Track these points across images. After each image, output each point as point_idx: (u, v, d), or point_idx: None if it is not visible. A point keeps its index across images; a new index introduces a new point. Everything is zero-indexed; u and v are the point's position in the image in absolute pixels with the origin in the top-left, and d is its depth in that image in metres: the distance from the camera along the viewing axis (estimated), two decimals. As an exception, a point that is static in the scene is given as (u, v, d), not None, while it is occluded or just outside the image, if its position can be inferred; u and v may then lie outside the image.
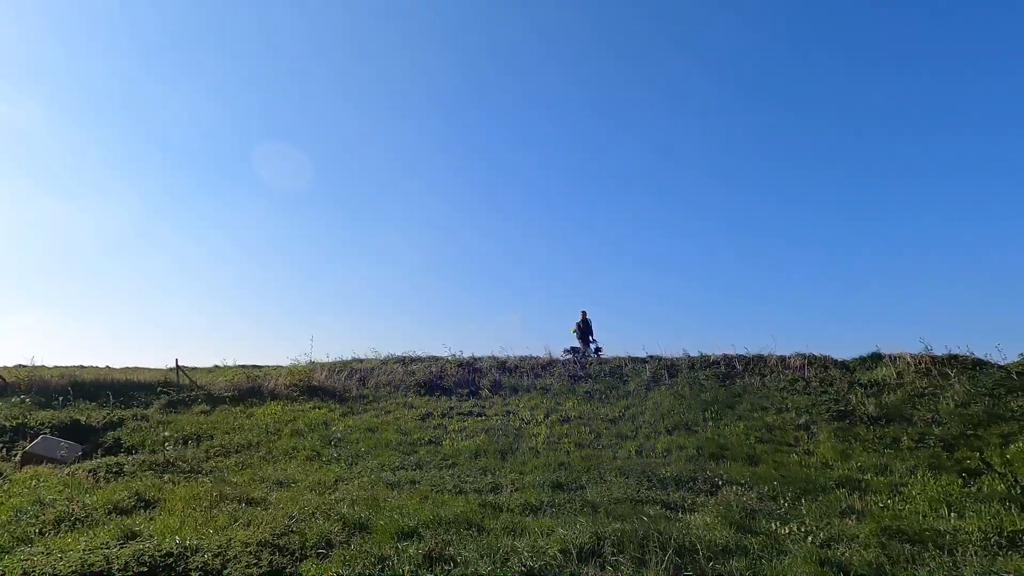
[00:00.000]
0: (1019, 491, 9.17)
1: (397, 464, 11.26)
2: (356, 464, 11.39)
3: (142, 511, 7.22)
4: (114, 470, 10.13)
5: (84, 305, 70.69)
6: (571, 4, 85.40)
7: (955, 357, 14.64)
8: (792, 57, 79.97)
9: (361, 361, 20.05)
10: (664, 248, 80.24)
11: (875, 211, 71.12)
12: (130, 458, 11.31)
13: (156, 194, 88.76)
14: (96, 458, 11.38)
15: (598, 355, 18.92)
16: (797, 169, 78.21)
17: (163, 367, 21.65)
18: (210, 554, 4.81)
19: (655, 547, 5.53)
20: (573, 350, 19.41)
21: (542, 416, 14.37)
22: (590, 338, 19.41)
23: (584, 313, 19.62)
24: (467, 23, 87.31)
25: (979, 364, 14.41)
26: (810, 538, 6.82)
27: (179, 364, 19.16)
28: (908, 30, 73.51)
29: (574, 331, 19.56)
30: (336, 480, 9.89)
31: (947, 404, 12.83)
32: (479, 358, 19.12)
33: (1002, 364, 14.40)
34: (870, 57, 74.34)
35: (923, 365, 14.47)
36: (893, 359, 15.04)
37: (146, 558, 4.57)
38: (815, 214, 75.31)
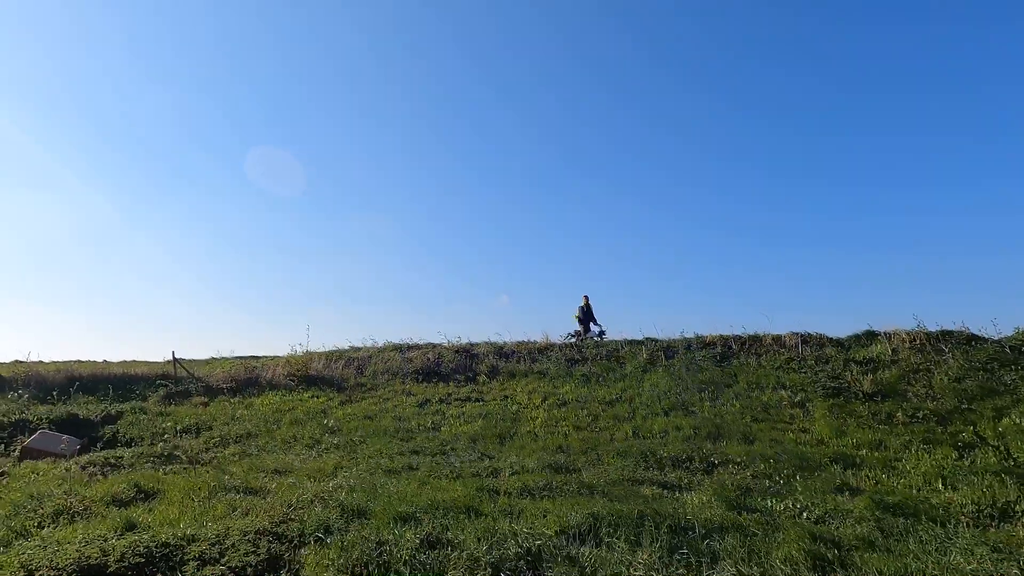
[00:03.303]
0: (1012, 463, 9.28)
1: (396, 451, 11.31)
2: (355, 451, 11.43)
3: (141, 503, 7.24)
4: (112, 463, 10.16)
5: (80, 300, 70.50)
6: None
7: (949, 332, 14.69)
8: (793, 27, 79.14)
9: (358, 349, 20.06)
10: (659, 231, 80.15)
11: (866, 192, 70.98)
12: (129, 451, 11.33)
13: (145, 188, 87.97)
14: (95, 451, 11.41)
15: (601, 338, 18.97)
16: (792, 154, 77.81)
17: (161, 360, 21.67)
18: (207, 543, 4.82)
19: (650, 526, 5.58)
20: (576, 334, 19.48)
21: (540, 400, 14.43)
22: (591, 323, 19.47)
23: (586, 298, 19.65)
24: (451, 13, 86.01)
25: (973, 339, 14.46)
26: (804, 514, 6.90)
27: (176, 356, 19.13)
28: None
29: (576, 316, 19.60)
30: (335, 468, 9.93)
31: (941, 379, 12.91)
32: (476, 344, 19.14)
33: (996, 338, 14.46)
34: (864, 16, 73.61)
35: (917, 341, 14.52)
36: (888, 336, 15.09)
37: (143, 549, 4.58)
38: (808, 196, 75.12)
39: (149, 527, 5.36)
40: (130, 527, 5.28)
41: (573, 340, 19.07)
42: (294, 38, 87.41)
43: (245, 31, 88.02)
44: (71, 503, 6.66)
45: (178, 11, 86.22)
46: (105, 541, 4.78)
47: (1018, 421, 10.73)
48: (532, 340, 18.94)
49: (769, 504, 7.28)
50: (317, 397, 16.23)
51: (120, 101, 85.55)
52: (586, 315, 19.46)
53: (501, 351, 18.37)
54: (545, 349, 18.17)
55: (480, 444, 11.65)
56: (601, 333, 19.25)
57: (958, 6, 68.21)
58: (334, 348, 20.71)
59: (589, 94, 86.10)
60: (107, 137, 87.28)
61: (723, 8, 79.83)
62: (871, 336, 15.39)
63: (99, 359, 24.53)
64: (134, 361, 23.15)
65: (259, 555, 4.79)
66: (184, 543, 4.87)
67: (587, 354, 17.39)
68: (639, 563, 4.81)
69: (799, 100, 77.69)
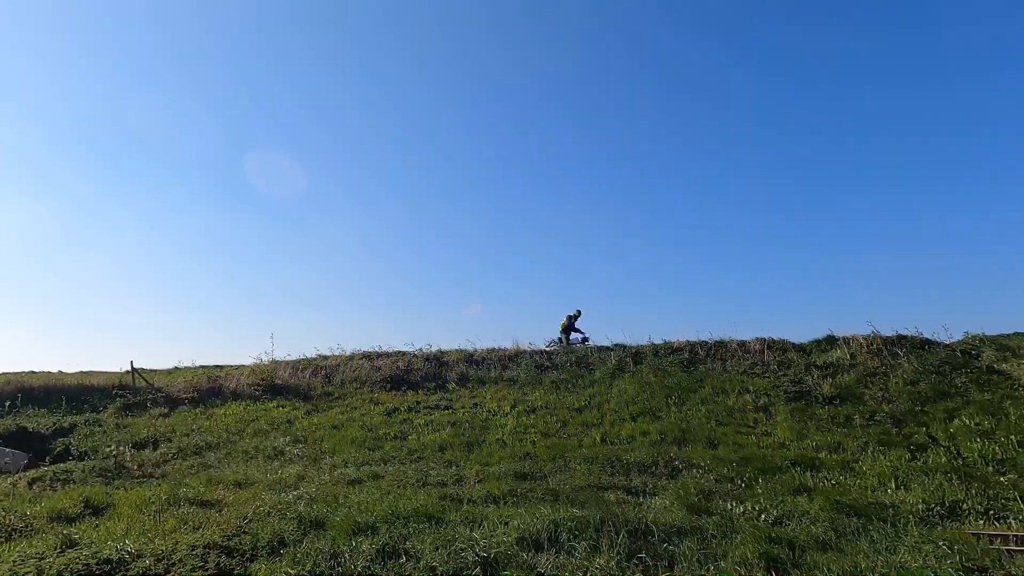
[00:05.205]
0: (961, 463, 9.62)
1: (362, 460, 11.14)
2: (319, 462, 11.22)
3: (89, 518, 6.97)
4: (62, 477, 9.77)
5: (32, 311, 67.63)
6: (537, 15, 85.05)
7: (904, 337, 15.19)
8: (756, 65, 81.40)
9: (326, 358, 19.70)
10: (626, 239, 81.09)
11: (831, 205, 73.20)
12: (80, 464, 10.92)
13: (96, 196, 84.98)
14: (44, 466, 10.92)
15: (585, 343, 19.00)
16: (756, 169, 79.79)
17: (119, 370, 20.90)
18: (153, 559, 4.65)
19: (610, 531, 5.59)
20: (558, 341, 19.49)
21: (509, 407, 14.38)
22: (572, 331, 19.52)
23: (578, 311, 19.76)
24: (430, 23, 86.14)
25: (926, 343, 14.99)
26: (763, 516, 7.02)
27: (135, 366, 18.50)
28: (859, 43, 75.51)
29: (563, 325, 19.63)
30: (298, 479, 9.72)
31: (897, 382, 13.33)
32: (446, 352, 18.98)
33: (947, 343, 15.03)
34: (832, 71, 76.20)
35: (874, 346, 14.97)
36: (847, 341, 15.52)
37: (82, 566, 4.39)
38: (774, 209, 77.10)
39: (92, 543, 5.14)
40: (71, 544, 5.06)
41: (555, 347, 19.04)
42: (250, 39, 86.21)
43: (197, 43, 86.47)
44: (10, 520, 6.35)
45: (129, 15, 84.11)
46: (42, 559, 4.57)
47: (968, 422, 11.14)
48: (503, 347, 18.88)
49: (729, 507, 7.38)
50: (283, 407, 15.87)
51: (65, 104, 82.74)
52: (570, 324, 19.55)
53: (471, 358, 18.27)
54: (515, 356, 18.13)
55: (448, 452, 11.55)
56: (584, 339, 19.29)
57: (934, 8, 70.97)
58: (301, 357, 20.31)
59: (556, 113, 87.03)
60: (43, 140, 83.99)
61: (705, 12, 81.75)
62: (831, 341, 15.82)
63: (54, 370, 23.59)
64: (91, 372, 22.28)
65: (207, 570, 4.65)
66: (128, 559, 4.69)
67: (557, 361, 17.43)
68: (596, 567, 4.82)
69: (758, 127, 79.85)
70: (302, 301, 73.09)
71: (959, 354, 14.35)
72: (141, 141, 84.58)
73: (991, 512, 7.49)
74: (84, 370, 22.87)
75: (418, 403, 15.34)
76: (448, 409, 14.79)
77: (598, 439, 12.06)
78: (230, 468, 10.90)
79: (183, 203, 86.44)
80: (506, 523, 6.13)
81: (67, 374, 21.56)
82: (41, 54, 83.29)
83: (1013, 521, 7.17)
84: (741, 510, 7.26)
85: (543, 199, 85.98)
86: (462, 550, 5.14)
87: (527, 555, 5.13)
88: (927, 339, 15.14)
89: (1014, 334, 14.92)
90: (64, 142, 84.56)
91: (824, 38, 74.65)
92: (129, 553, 4.73)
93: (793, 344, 16.25)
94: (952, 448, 10.24)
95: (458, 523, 6.23)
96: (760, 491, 8.38)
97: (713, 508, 7.37)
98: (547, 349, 18.85)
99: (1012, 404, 11.55)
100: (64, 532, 5.41)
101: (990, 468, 9.29)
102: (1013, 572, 4.90)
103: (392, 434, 13.14)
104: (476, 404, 14.96)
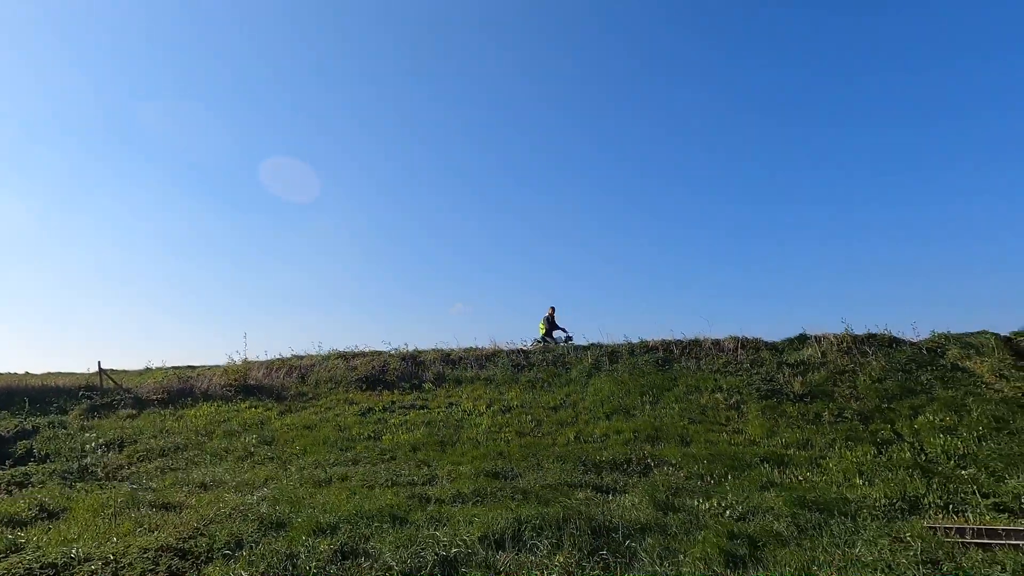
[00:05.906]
0: (923, 458, 9.84)
1: (332, 461, 10.99)
2: (290, 463, 11.05)
3: (42, 522, 6.77)
4: (19, 481, 9.49)
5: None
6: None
7: (873, 336, 15.48)
8: (717, 49, 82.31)
9: (301, 358, 19.44)
10: (605, 237, 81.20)
11: (806, 201, 74.15)
12: (40, 467, 10.63)
13: (66, 193, 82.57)
14: (3, 469, 10.60)
15: (568, 342, 18.97)
16: (751, 164, 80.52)
17: (86, 371, 20.37)
18: (100, 562, 4.52)
19: (573, 529, 5.58)
20: (541, 340, 19.43)
21: (484, 406, 14.33)
22: (555, 330, 19.48)
23: (552, 309, 19.74)
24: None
25: (894, 342, 15.29)
26: (728, 512, 7.08)
27: (102, 367, 18.04)
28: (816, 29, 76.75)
29: (542, 325, 19.57)
30: (266, 480, 9.58)
31: (865, 380, 13.57)
32: (423, 351, 18.86)
33: (915, 341, 15.35)
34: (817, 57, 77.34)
35: (845, 344, 15.23)
36: (818, 339, 15.76)
37: (23, 571, 4.24)
38: (754, 205, 77.98)
39: (39, 547, 4.98)
40: (16, 548, 4.89)
41: (539, 346, 18.97)
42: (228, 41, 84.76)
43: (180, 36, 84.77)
44: (-43, 525, 6.13)
45: (117, 10, 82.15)
46: (-19, 564, 4.41)
47: (932, 418, 11.39)
48: (480, 347, 18.80)
49: (696, 504, 7.43)
50: (255, 407, 15.62)
51: (44, 99, 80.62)
52: (551, 324, 19.52)
53: (448, 358, 18.17)
54: (493, 355, 18.07)
55: (421, 452, 11.47)
56: (568, 338, 19.26)
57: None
58: (276, 356, 20.00)
59: (540, 103, 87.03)
60: (25, 135, 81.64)
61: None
62: (803, 340, 16.05)
63: (20, 371, 22.92)
64: (58, 373, 21.67)
65: (158, 573, 4.52)
66: (75, 563, 4.55)
67: (534, 360, 17.41)
68: (556, 565, 4.80)
69: (743, 114, 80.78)
70: (282, 300, 71.98)
71: (925, 352, 14.66)
72: (117, 137, 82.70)
73: (951, 506, 7.65)
74: (51, 371, 22.26)
75: (393, 403, 15.21)
76: (423, 409, 14.69)
77: (572, 438, 12.07)
78: (197, 470, 10.69)
79: (157, 201, 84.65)
80: (471, 522, 6.09)
81: (32, 375, 20.95)
82: (24, 48, 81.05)
83: (971, 514, 7.33)
84: (707, 506, 7.31)
85: (529, 195, 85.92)
86: (422, 549, 5.08)
87: (488, 553, 5.09)
88: (895, 337, 15.45)
89: (978, 332, 15.27)
90: (39, 136, 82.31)
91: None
92: (75, 557, 4.59)
93: (766, 343, 16.44)
94: (916, 444, 10.47)
95: (423, 523, 6.18)
96: (728, 487, 8.46)
97: (680, 505, 7.42)
98: (527, 348, 18.77)
99: (974, 401, 11.84)
100: (10, 536, 5.23)
101: (952, 463, 9.51)
102: (963, 564, 5.00)
103: (366, 434, 13.00)
104: (452, 404, 14.89)
